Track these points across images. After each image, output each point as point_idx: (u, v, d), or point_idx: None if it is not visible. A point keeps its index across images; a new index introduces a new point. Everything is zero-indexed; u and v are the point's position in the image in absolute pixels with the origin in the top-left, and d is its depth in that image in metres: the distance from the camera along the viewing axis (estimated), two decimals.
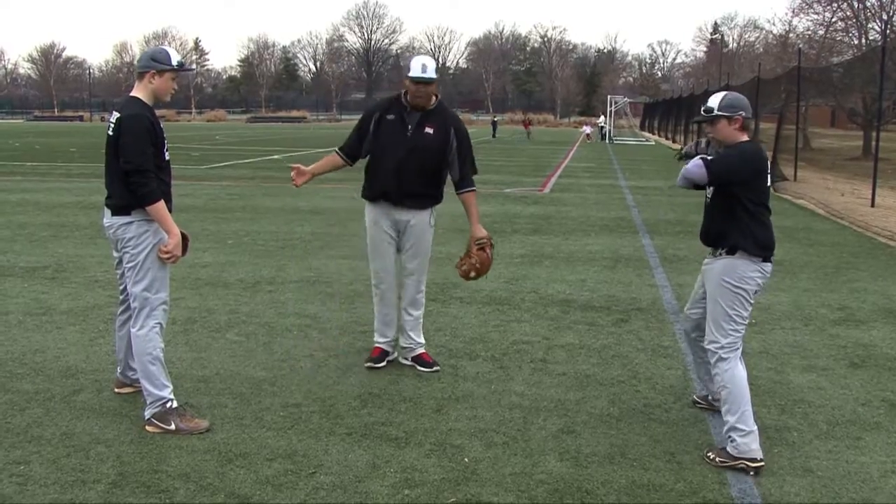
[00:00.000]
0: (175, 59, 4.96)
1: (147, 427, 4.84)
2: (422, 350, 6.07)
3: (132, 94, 4.99)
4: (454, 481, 4.24)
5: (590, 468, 4.43)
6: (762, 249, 4.63)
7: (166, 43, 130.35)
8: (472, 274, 5.89)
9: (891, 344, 6.88)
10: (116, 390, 5.42)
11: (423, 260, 6.03)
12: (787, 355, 6.50)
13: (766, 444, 4.74)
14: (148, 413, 4.87)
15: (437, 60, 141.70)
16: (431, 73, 5.72)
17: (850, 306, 8.17)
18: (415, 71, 5.69)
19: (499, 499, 4.07)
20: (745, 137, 4.71)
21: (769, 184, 4.73)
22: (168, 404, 4.85)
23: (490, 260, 5.95)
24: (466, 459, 4.50)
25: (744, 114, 4.64)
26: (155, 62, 4.91)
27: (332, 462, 4.44)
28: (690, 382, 5.82)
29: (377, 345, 6.14)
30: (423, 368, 5.94)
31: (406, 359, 6.07)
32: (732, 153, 4.62)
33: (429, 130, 5.81)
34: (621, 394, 5.59)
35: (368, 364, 6.04)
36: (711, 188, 4.71)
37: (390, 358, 6.13)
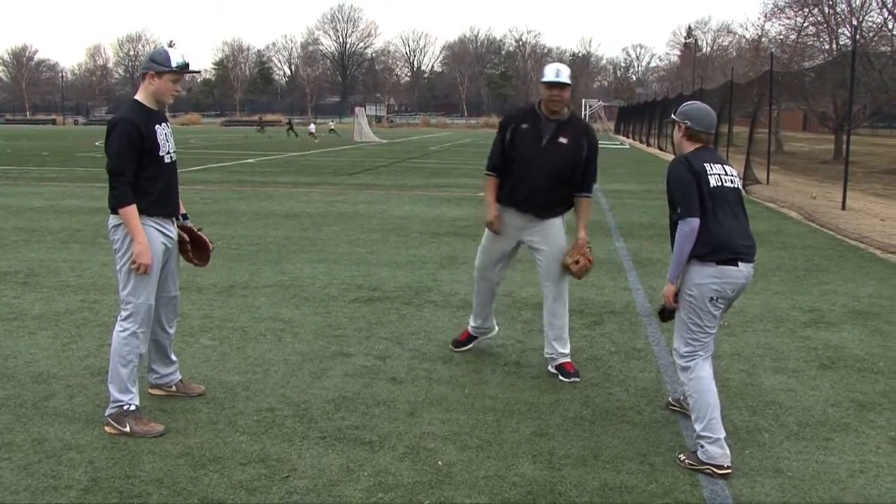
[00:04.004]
0: (175, 60, 4.93)
1: (105, 427, 4.87)
2: (565, 360, 6.03)
3: (135, 95, 5.03)
4: (428, 484, 4.25)
5: (563, 470, 4.45)
6: (711, 252, 4.58)
7: (140, 46, 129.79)
8: (583, 272, 5.95)
9: (860, 345, 6.96)
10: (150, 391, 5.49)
11: (557, 266, 6.00)
12: (758, 357, 6.56)
13: (737, 446, 4.79)
14: (106, 413, 4.92)
15: (411, 63, 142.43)
16: (566, 78, 5.79)
17: (820, 308, 8.26)
18: (549, 76, 5.78)
19: (472, 501, 4.09)
20: (690, 147, 4.80)
21: (718, 184, 4.66)
22: (126, 407, 4.86)
23: (590, 266, 6.01)
24: (440, 463, 4.51)
25: (689, 123, 4.79)
26: (154, 63, 4.92)
27: (306, 466, 4.44)
28: (663, 385, 5.87)
29: (468, 329, 6.55)
30: (563, 378, 5.92)
31: (550, 368, 6.07)
32: (668, 181, 4.75)
33: (563, 140, 5.86)
34: (594, 396, 5.62)
35: (451, 347, 6.54)
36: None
37: (477, 342, 6.53)
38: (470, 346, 6.54)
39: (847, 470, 4.55)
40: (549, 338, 6.08)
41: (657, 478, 4.39)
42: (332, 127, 67.05)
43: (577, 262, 5.91)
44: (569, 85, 5.83)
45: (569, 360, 6.05)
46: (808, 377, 6.11)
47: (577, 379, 5.92)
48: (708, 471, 4.43)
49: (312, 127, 61.24)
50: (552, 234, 6.02)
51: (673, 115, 4.94)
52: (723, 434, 4.52)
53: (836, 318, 7.91)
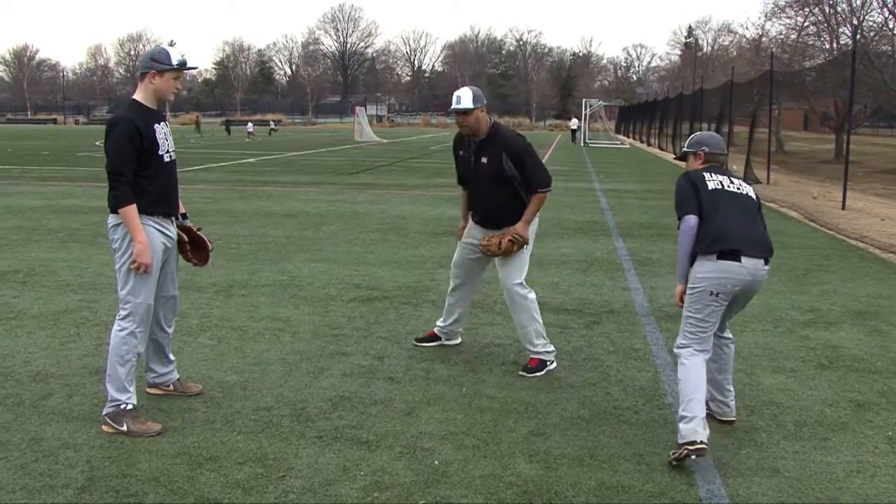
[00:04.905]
0: (175, 58, 4.97)
1: (102, 426, 4.88)
2: (531, 356, 6.14)
3: (133, 95, 5.04)
4: (424, 484, 4.25)
5: (559, 470, 4.45)
6: (710, 244, 4.64)
7: (141, 45, 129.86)
8: (488, 251, 6.10)
9: (858, 345, 6.96)
10: (148, 390, 5.49)
11: (507, 271, 6.12)
12: (756, 357, 6.56)
13: (734, 445, 4.80)
14: (103, 412, 4.93)
15: (412, 63, 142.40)
16: (465, 104, 5.92)
17: (819, 308, 8.26)
18: (453, 104, 5.98)
19: (468, 501, 4.08)
20: (702, 167, 4.98)
21: (718, 187, 4.77)
22: (123, 406, 4.86)
23: (509, 254, 6.05)
24: (437, 462, 4.51)
25: (707, 149, 5.01)
26: (154, 62, 4.94)
27: (303, 465, 4.44)
28: (661, 385, 5.87)
29: (434, 328, 6.73)
30: (521, 371, 6.05)
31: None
32: (675, 194, 4.89)
33: (483, 160, 6.05)
34: (592, 396, 5.62)
35: (414, 341, 6.73)
36: None
37: (442, 343, 6.66)
38: (431, 344, 6.64)
39: (844, 470, 4.55)
40: (519, 337, 6.29)
41: (653, 477, 4.39)
42: (273, 126, 69.87)
43: (488, 240, 6.07)
44: (470, 109, 5.92)
45: (535, 355, 6.12)
46: (806, 377, 6.10)
47: (534, 375, 5.96)
48: (684, 452, 4.42)
49: (250, 126, 62.70)
50: None
51: (686, 149, 5.13)
52: (701, 413, 4.53)
53: (835, 317, 7.90)
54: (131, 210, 4.81)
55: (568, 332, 7.18)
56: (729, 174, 4.93)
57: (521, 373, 6.01)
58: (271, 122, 74.48)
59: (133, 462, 4.45)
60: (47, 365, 6.06)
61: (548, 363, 6.10)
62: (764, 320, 7.69)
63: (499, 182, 6.00)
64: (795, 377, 6.09)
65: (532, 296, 6.14)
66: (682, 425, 4.51)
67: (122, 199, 4.79)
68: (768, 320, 7.70)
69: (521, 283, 6.10)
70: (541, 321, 6.16)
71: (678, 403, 4.70)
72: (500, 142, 6.03)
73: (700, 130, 28.48)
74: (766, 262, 4.75)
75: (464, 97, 5.93)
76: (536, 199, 6.06)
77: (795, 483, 4.37)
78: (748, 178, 22.07)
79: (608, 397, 5.60)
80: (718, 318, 4.76)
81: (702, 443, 4.42)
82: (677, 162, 5.39)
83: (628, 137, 68.00)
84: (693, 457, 4.41)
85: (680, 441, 4.48)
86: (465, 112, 5.94)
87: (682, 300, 4.87)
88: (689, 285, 4.75)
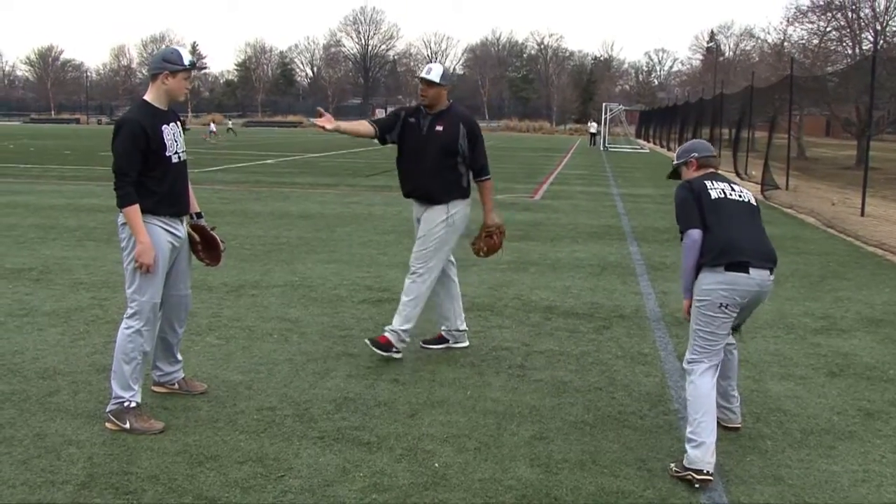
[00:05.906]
0: (187, 58, 5.04)
1: (106, 423, 4.90)
2: (384, 332, 6.38)
3: (144, 96, 5.08)
4: (423, 486, 4.23)
5: (560, 475, 4.42)
6: (718, 255, 4.56)
7: (164, 46, 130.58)
8: (481, 254, 6.37)
9: (870, 353, 6.88)
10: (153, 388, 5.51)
11: (422, 251, 6.30)
12: (766, 363, 6.50)
13: (738, 452, 4.76)
14: (107, 409, 4.95)
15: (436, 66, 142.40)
16: (433, 76, 6.22)
17: (833, 315, 8.18)
18: (422, 72, 6.32)
19: None
20: (699, 174, 4.92)
21: (721, 196, 4.70)
22: (126, 404, 4.88)
23: (497, 246, 6.47)
24: (437, 465, 4.49)
25: (696, 155, 4.97)
26: (167, 63, 4.99)
27: (302, 466, 4.43)
28: (667, 390, 5.82)
29: (441, 331, 6.74)
30: (372, 346, 6.32)
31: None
32: (675, 205, 4.85)
33: (439, 128, 6.27)
34: (597, 400, 5.58)
35: (421, 343, 6.70)
36: None
37: (449, 345, 6.65)
38: (440, 346, 6.64)
39: (849, 479, 4.49)
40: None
41: (654, 483, 4.35)
42: (230, 126, 72.41)
43: (481, 249, 6.46)
44: (437, 83, 6.21)
45: (386, 332, 6.34)
46: (815, 384, 6.04)
47: (380, 352, 6.26)
48: (688, 476, 4.34)
49: (213, 126, 63.12)
50: (428, 218, 6.32)
51: (676, 162, 5.11)
52: (710, 439, 4.41)
53: (849, 325, 7.83)
54: (134, 210, 4.83)
55: (577, 336, 7.15)
56: (729, 181, 4.88)
57: (366, 340, 6.40)
58: (229, 123, 77.22)
59: (134, 459, 4.46)
60: (55, 362, 6.09)
61: (395, 344, 6.31)
62: (775, 327, 7.62)
63: (446, 154, 6.22)
64: (804, 384, 6.03)
65: (427, 285, 6.35)
66: (690, 449, 4.40)
67: (125, 200, 4.83)
68: (780, 327, 7.64)
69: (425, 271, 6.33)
70: (421, 309, 6.39)
71: (686, 417, 4.60)
72: (459, 116, 6.34)
73: (720, 135, 27.98)
74: (771, 272, 4.68)
75: (434, 70, 6.27)
76: (487, 188, 6.42)
77: (798, 491, 4.32)
78: (767, 183, 21.93)
79: (613, 402, 5.56)
80: (728, 329, 4.68)
81: (708, 473, 4.33)
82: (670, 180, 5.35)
83: (648, 142, 67.77)
84: (696, 486, 4.31)
85: (686, 464, 4.39)
86: (430, 84, 6.22)
87: (689, 313, 4.81)
88: (696, 298, 4.65)
